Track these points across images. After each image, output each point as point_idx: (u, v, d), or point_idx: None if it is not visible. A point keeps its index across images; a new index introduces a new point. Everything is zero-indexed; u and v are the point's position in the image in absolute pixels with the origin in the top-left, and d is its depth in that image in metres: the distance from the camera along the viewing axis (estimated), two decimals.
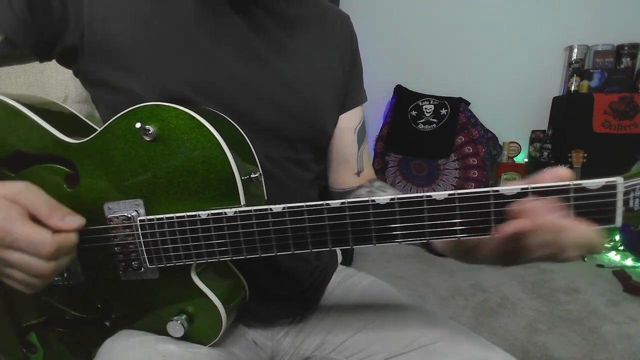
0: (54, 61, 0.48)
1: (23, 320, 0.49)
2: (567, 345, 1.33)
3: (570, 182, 0.30)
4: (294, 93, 0.52)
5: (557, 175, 0.32)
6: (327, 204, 0.35)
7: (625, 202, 0.30)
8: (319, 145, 0.58)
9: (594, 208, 0.30)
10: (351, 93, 0.62)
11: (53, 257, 0.34)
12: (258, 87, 0.49)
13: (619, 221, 0.30)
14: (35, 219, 0.35)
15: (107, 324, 0.46)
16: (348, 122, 0.61)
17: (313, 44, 0.56)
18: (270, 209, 0.36)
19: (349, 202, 0.34)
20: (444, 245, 0.43)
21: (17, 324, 0.49)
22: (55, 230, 0.36)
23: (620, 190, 0.30)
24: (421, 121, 2.52)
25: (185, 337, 0.44)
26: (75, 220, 0.37)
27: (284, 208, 0.36)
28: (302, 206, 0.35)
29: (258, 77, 0.49)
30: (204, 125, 0.39)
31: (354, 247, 0.36)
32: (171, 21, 0.46)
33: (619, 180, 0.30)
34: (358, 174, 0.63)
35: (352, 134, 0.62)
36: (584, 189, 0.30)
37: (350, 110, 0.62)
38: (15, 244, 0.33)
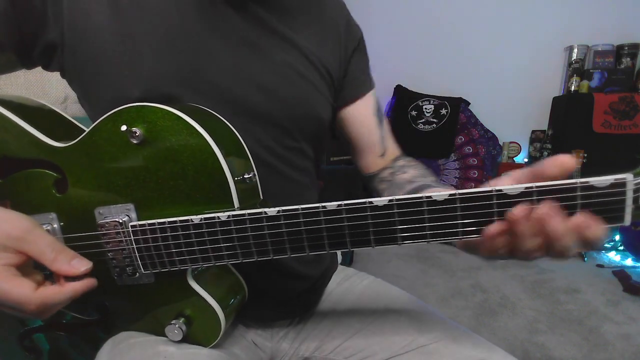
0: None
1: (23, 324, 0.49)
2: (567, 345, 1.32)
3: (577, 180, 0.29)
4: (286, 80, 0.50)
5: (559, 163, 0.30)
6: (324, 207, 0.34)
7: (635, 200, 0.28)
8: (316, 134, 0.56)
9: (602, 207, 0.29)
10: (357, 80, 0.61)
11: (39, 315, 0.33)
12: (249, 74, 0.48)
13: (627, 219, 0.29)
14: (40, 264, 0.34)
15: (105, 326, 0.46)
16: (365, 109, 0.61)
17: (309, 31, 0.54)
18: (265, 213, 0.35)
19: (345, 204, 0.33)
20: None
21: (17, 327, 0.49)
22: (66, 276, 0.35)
23: (630, 187, 0.28)
24: (421, 121, 2.52)
25: (184, 340, 0.43)
26: (82, 264, 0.35)
27: (278, 211, 0.35)
28: (297, 209, 0.34)
29: (249, 64, 0.48)
30: (192, 126, 0.37)
31: (352, 249, 0.35)
32: (153, 15, 0.44)
33: (628, 177, 0.28)
34: (382, 155, 0.63)
35: (372, 118, 0.62)
36: (592, 187, 0.29)
37: (364, 97, 0.61)
38: (3, 302, 0.32)
